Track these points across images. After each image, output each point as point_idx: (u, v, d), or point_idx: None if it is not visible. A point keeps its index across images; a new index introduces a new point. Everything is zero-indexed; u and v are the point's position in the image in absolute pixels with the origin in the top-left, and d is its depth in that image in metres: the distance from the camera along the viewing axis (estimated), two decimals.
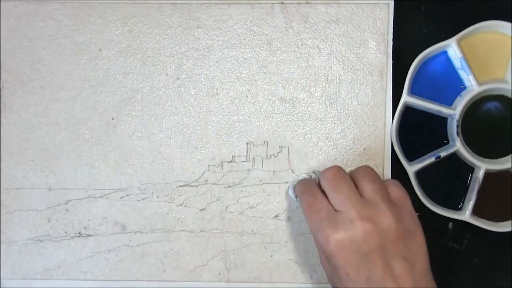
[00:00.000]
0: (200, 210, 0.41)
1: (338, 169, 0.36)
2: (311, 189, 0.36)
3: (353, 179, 0.35)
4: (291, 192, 0.40)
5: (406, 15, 0.41)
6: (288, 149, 0.41)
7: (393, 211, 0.33)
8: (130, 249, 0.41)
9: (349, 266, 0.32)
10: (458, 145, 0.40)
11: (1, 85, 0.41)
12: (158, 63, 0.41)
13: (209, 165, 0.41)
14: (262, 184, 0.41)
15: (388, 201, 0.34)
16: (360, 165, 0.41)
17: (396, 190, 0.35)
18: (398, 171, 0.41)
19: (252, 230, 0.41)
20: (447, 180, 0.41)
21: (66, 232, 0.41)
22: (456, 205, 0.41)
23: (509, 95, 0.40)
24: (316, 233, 0.34)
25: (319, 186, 0.36)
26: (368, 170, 0.36)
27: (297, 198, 0.38)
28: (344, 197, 0.34)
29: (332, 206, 0.34)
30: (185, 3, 0.41)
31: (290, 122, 0.41)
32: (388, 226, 0.33)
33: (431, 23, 0.41)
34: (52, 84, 0.41)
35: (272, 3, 0.41)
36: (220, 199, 0.41)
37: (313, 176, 0.40)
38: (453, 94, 0.41)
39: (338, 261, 0.33)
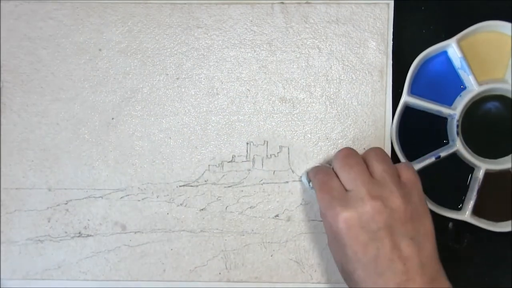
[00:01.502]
0: (200, 210, 0.41)
1: (349, 149, 0.36)
2: (324, 170, 0.37)
3: (364, 159, 0.36)
4: (304, 178, 0.40)
5: (406, 15, 0.41)
6: (288, 149, 0.41)
7: (403, 192, 0.34)
8: (130, 249, 0.41)
9: (357, 244, 0.33)
10: (458, 145, 0.40)
11: (1, 85, 0.41)
12: (158, 63, 0.41)
13: (209, 165, 0.41)
14: (262, 184, 0.41)
15: (398, 182, 0.35)
16: None
17: (408, 173, 0.36)
18: None
19: (252, 230, 0.41)
20: (447, 180, 0.41)
21: (66, 232, 0.41)
22: (456, 205, 0.41)
23: (509, 95, 0.40)
24: (326, 212, 0.34)
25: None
26: (379, 151, 0.36)
27: (310, 183, 0.38)
28: (355, 175, 0.34)
29: (343, 186, 0.35)
30: (185, 3, 0.41)
31: (290, 122, 0.41)
32: (397, 206, 0.33)
33: (431, 23, 0.41)
34: (52, 84, 0.41)
35: (272, 3, 0.41)
36: (220, 199, 0.41)
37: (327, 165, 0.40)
38: (453, 94, 0.41)
39: (346, 239, 0.33)
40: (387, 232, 0.33)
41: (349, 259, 0.33)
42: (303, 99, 0.41)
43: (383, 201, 0.33)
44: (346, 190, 0.34)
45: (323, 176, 0.36)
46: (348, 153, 0.36)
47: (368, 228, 0.33)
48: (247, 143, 0.41)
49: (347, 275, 0.34)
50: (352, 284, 0.34)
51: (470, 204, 0.40)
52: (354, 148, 0.41)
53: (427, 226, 0.34)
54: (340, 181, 0.35)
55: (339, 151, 0.36)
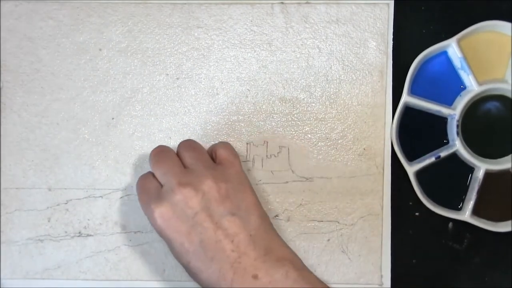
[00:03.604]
0: None
1: (160, 147, 0.37)
2: (143, 175, 0.37)
3: (177, 154, 0.36)
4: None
5: (406, 15, 0.41)
6: (288, 149, 0.41)
7: (215, 173, 0.34)
8: (130, 249, 0.41)
9: (180, 235, 0.33)
10: (458, 145, 0.40)
11: (1, 85, 0.41)
12: (158, 63, 0.41)
13: None
14: (262, 184, 0.41)
15: (211, 164, 0.35)
16: (360, 165, 0.41)
17: (222, 152, 0.36)
18: (398, 171, 0.41)
19: None
20: (447, 180, 0.41)
21: (66, 232, 0.41)
22: (456, 205, 0.41)
23: (509, 95, 0.40)
24: (146, 213, 0.35)
25: None
26: (187, 142, 0.37)
27: None
28: (166, 169, 0.35)
29: (160, 184, 0.35)
30: (185, 3, 0.41)
31: (290, 122, 0.41)
32: (210, 187, 0.33)
33: (431, 23, 0.41)
34: (52, 84, 0.41)
35: (272, 3, 0.41)
36: None
37: None
38: (453, 94, 0.41)
39: (169, 234, 0.33)
40: (205, 215, 0.33)
41: (179, 253, 0.33)
42: (303, 99, 0.41)
43: (193, 186, 0.33)
44: (162, 186, 0.35)
45: (141, 180, 0.36)
46: (158, 150, 0.37)
47: (185, 216, 0.33)
48: (247, 143, 0.41)
49: (186, 269, 0.34)
50: (194, 277, 0.34)
51: (470, 204, 0.40)
52: (354, 148, 0.41)
53: (249, 199, 0.34)
54: (157, 180, 0.35)
55: (152, 150, 0.37)
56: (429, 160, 0.40)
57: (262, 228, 0.34)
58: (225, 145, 0.37)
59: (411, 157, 0.40)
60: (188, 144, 0.37)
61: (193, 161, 0.35)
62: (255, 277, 0.32)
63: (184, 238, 0.33)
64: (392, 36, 0.41)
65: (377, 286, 0.41)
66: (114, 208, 0.41)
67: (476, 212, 0.40)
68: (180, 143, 0.37)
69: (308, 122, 0.41)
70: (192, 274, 0.34)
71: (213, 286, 0.33)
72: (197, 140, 0.41)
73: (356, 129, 0.41)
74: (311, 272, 0.34)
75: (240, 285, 0.32)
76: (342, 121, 0.41)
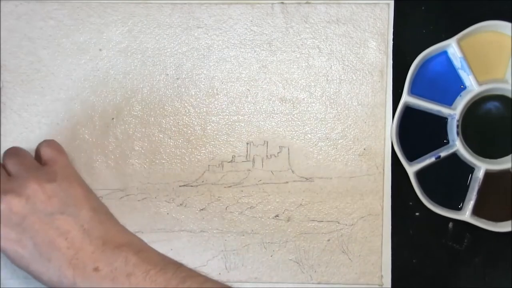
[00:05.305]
0: (200, 210, 0.41)
1: None
2: None
3: (2, 164, 0.36)
4: None
5: (406, 15, 0.41)
6: (288, 149, 0.41)
7: (39, 174, 0.34)
8: None
9: (11, 243, 0.33)
10: (458, 145, 0.40)
11: (1, 85, 0.41)
12: (158, 63, 0.41)
13: (209, 165, 0.41)
14: (262, 184, 0.41)
15: (35, 167, 0.35)
16: (361, 165, 0.41)
17: (47, 151, 0.36)
18: (398, 171, 0.41)
19: (252, 230, 0.41)
20: (447, 180, 0.41)
21: None
22: (456, 205, 0.41)
23: (509, 95, 0.40)
24: None
25: None
26: (10, 149, 0.37)
27: None
28: None
29: None
30: (185, 3, 0.41)
31: (290, 122, 0.41)
32: (34, 189, 0.33)
33: (431, 23, 0.41)
34: (52, 84, 0.41)
35: (272, 3, 0.41)
36: (220, 199, 0.41)
37: None
38: (453, 94, 0.41)
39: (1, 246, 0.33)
40: (33, 218, 0.33)
41: (15, 259, 0.33)
42: (303, 99, 0.41)
43: (16, 192, 0.33)
44: None
45: None
46: None
47: (12, 223, 0.33)
48: (247, 143, 0.41)
49: (28, 273, 0.34)
50: (38, 280, 0.34)
51: (470, 204, 0.40)
52: (354, 148, 0.41)
53: (77, 194, 0.35)
54: None
55: None
56: (429, 160, 0.40)
57: (96, 219, 0.34)
58: (48, 143, 0.37)
59: (411, 157, 0.40)
60: (10, 152, 0.37)
61: (16, 167, 0.35)
62: (96, 269, 0.32)
63: (16, 245, 0.33)
64: (392, 36, 0.41)
65: (377, 286, 0.41)
66: (114, 208, 0.41)
67: (476, 212, 0.40)
68: (4, 152, 0.37)
69: (308, 122, 0.41)
70: (35, 277, 0.34)
71: (57, 286, 0.33)
72: (197, 140, 0.41)
73: (356, 129, 0.41)
74: (152, 251, 0.34)
75: (83, 280, 0.32)
76: (342, 121, 0.41)
